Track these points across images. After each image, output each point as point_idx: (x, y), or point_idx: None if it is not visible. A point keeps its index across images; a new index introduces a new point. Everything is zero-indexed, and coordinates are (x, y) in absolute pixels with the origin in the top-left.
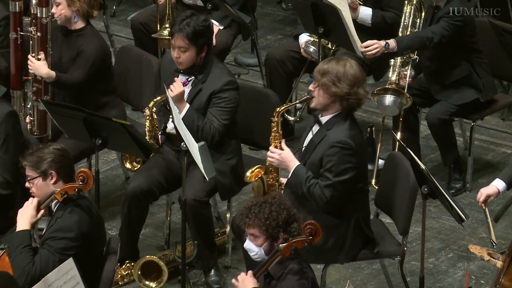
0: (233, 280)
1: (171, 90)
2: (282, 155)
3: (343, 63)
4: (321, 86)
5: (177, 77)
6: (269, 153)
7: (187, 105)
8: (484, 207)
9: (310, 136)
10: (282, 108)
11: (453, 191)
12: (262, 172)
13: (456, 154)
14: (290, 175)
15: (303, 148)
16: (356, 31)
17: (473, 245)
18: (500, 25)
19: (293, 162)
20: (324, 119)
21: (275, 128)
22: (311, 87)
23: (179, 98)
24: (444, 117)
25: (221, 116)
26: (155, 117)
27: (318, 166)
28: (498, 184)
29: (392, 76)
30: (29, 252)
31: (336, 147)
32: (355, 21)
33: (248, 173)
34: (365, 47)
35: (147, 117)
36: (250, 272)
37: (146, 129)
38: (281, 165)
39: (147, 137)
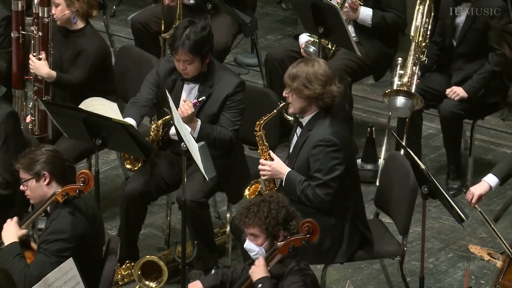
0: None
1: (181, 112)
2: (273, 165)
3: (311, 64)
4: (294, 91)
5: (182, 85)
6: (260, 166)
7: (199, 122)
8: (478, 209)
9: (295, 139)
10: (262, 121)
11: (451, 192)
12: (260, 187)
13: (458, 155)
14: (283, 183)
15: (290, 154)
16: (356, 31)
17: (473, 245)
18: (500, 26)
19: (284, 170)
20: (304, 120)
21: (260, 142)
22: (284, 94)
23: (189, 119)
24: (456, 111)
25: (234, 118)
26: (161, 132)
27: (306, 167)
28: (490, 180)
29: (404, 77)
30: (21, 259)
31: (319, 146)
32: (355, 21)
33: (246, 191)
34: None
35: (153, 131)
36: (262, 259)
37: (150, 135)
38: (274, 175)
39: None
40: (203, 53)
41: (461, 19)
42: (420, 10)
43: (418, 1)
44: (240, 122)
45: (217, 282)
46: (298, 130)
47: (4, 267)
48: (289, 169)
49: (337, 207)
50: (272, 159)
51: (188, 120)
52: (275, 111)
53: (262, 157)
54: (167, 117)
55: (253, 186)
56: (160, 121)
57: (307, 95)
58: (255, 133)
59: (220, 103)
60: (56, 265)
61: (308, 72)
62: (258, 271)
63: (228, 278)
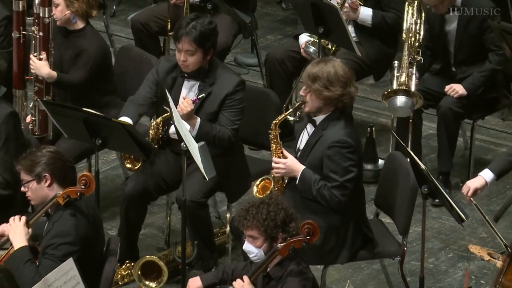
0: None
1: (181, 109)
2: (287, 163)
3: (331, 65)
4: (314, 92)
5: (182, 82)
6: (274, 164)
7: (198, 120)
8: (473, 202)
9: (306, 137)
10: (279, 119)
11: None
12: (271, 186)
13: (450, 164)
14: (297, 181)
15: (300, 151)
16: (356, 31)
17: (473, 245)
18: (500, 25)
19: (298, 168)
20: (318, 119)
21: (274, 140)
22: (302, 93)
23: (189, 116)
24: (455, 109)
25: (234, 117)
26: (160, 130)
27: (318, 166)
28: (486, 175)
29: (401, 76)
30: (32, 265)
31: (335, 147)
32: (355, 21)
33: (255, 188)
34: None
35: (153, 129)
36: (246, 278)
37: (150, 133)
38: (288, 173)
39: (149, 138)
40: (206, 46)
41: (452, 27)
42: (410, 11)
43: (407, 3)
44: (239, 121)
45: (217, 280)
46: (309, 128)
47: (5, 268)
48: (303, 167)
49: (344, 209)
50: (285, 157)
51: (187, 117)
52: (291, 109)
53: (275, 155)
54: (167, 114)
55: (262, 182)
56: (159, 119)
57: (326, 96)
58: (269, 131)
59: (219, 101)
60: None
61: (330, 73)
62: None
63: (228, 276)
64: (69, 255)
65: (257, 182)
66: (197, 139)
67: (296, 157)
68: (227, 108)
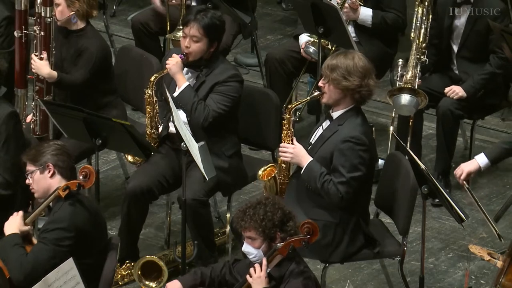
0: (247, 276)
1: (168, 63)
2: (296, 149)
3: (351, 56)
4: (332, 81)
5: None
6: (281, 148)
7: (187, 82)
8: (466, 185)
9: (320, 131)
10: (294, 105)
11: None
12: (276, 171)
13: (448, 164)
14: (303, 170)
15: (312, 144)
16: (356, 31)
17: (473, 245)
18: (500, 26)
19: (306, 157)
20: (335, 114)
21: (286, 126)
22: (321, 83)
23: (177, 70)
24: (455, 110)
25: (219, 101)
26: (155, 99)
27: (328, 160)
28: (480, 160)
29: (407, 75)
30: (20, 249)
31: (349, 142)
32: (355, 21)
33: (260, 172)
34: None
35: (149, 99)
36: (264, 269)
37: (147, 115)
38: (294, 160)
39: (147, 127)
40: (212, 37)
41: (461, 22)
42: (419, 11)
43: (417, 3)
44: (224, 108)
45: (197, 282)
46: (325, 124)
47: None
48: (311, 158)
49: (347, 207)
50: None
51: (176, 70)
52: (308, 98)
53: (285, 141)
54: (156, 75)
55: (269, 168)
56: (153, 77)
57: (345, 86)
58: (283, 116)
59: (208, 88)
60: (53, 253)
61: (348, 65)
62: (258, 281)
63: (206, 277)
64: (60, 240)
65: (263, 168)
66: (178, 99)
67: (306, 150)
68: (215, 92)
